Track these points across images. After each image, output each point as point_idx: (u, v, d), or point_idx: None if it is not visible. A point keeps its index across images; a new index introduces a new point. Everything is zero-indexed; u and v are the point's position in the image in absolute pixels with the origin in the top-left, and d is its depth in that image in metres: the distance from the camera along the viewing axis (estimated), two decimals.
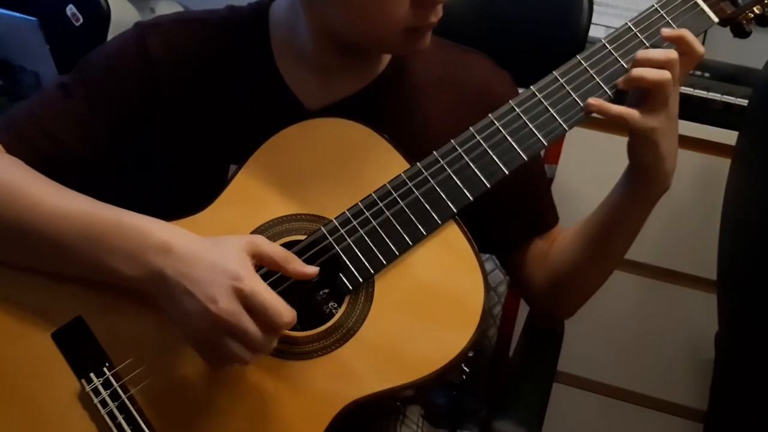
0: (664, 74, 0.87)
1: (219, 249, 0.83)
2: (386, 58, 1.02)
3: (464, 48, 1.07)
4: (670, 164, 0.94)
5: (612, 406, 1.74)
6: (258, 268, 0.84)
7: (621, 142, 1.62)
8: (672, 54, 0.88)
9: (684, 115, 1.58)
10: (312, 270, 0.85)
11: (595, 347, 1.72)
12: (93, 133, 0.97)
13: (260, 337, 0.80)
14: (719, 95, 1.60)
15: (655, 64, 0.88)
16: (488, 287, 0.88)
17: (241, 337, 0.80)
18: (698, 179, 1.62)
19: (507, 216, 1.06)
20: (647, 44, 0.92)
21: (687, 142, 1.61)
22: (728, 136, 1.54)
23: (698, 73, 1.64)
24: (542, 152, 1.35)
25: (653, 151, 0.92)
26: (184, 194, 0.93)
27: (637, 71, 0.89)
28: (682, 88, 1.58)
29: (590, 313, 1.68)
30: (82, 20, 1.86)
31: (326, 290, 0.91)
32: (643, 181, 0.96)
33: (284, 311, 0.81)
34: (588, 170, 1.62)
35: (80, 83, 0.99)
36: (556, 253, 1.07)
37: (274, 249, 0.84)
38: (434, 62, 1.02)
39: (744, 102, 1.57)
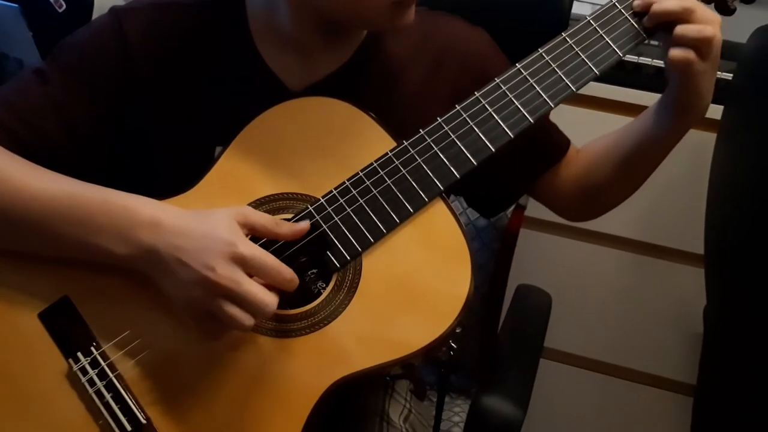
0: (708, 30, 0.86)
1: (209, 219, 0.84)
2: (362, 33, 1.01)
3: (434, 12, 1.06)
4: (708, 100, 0.93)
5: (601, 382, 1.75)
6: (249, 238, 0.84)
7: (607, 119, 1.63)
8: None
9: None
10: (303, 225, 0.87)
11: (584, 323, 1.73)
12: (71, 119, 0.96)
13: (262, 297, 0.81)
14: None
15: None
16: (475, 263, 0.88)
17: (241, 300, 0.80)
18: (685, 154, 1.61)
19: (523, 156, 1.06)
20: (632, 21, 0.92)
21: None
22: (714, 111, 1.54)
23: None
24: None
25: (695, 90, 0.91)
26: (169, 178, 0.93)
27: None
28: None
29: (579, 289, 1.71)
30: (65, 6, 1.84)
31: (314, 270, 0.91)
32: (678, 114, 0.95)
33: (285, 269, 0.82)
34: None
35: (57, 69, 0.98)
36: (586, 169, 1.08)
37: (262, 216, 0.85)
38: (408, 30, 1.02)
39: (729, 76, 1.57)
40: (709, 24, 0.87)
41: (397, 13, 0.91)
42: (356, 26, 0.99)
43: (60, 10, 1.83)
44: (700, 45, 0.86)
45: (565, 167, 1.10)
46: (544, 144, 1.09)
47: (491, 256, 1.37)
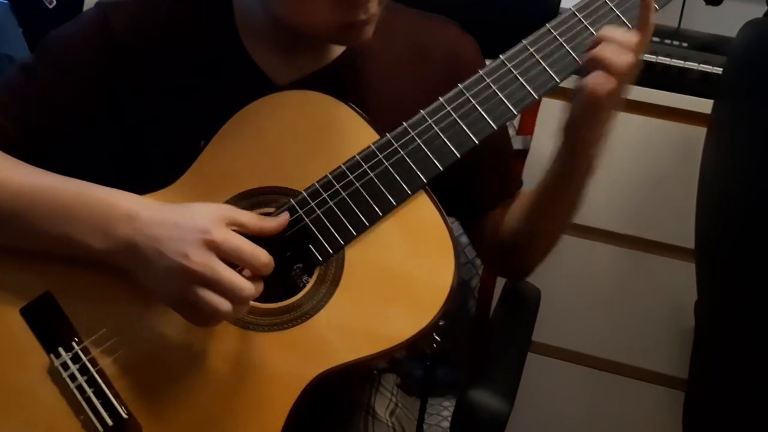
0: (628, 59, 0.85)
1: (186, 211, 0.84)
2: None
3: (429, 15, 1.06)
4: (601, 147, 0.93)
5: (592, 376, 1.75)
6: None
7: None
8: (635, 38, 0.86)
9: (662, 84, 1.60)
10: (283, 218, 0.87)
11: (575, 318, 1.72)
12: (56, 113, 0.96)
13: (238, 283, 0.80)
14: (697, 64, 1.60)
15: (618, 45, 0.86)
16: (459, 256, 0.88)
17: (218, 286, 0.80)
18: (677, 148, 1.62)
19: (477, 183, 1.07)
20: (617, 11, 0.92)
21: (665, 111, 1.61)
22: (706, 105, 1.54)
23: (676, 42, 1.64)
24: (516, 123, 1.36)
25: (598, 127, 0.91)
26: (154, 172, 0.93)
27: (602, 53, 0.86)
28: (660, 58, 1.60)
29: (570, 284, 1.70)
30: (55, 2, 1.84)
31: (300, 264, 0.91)
32: (569, 161, 0.95)
33: (260, 253, 0.82)
34: None
35: (43, 64, 0.98)
36: (506, 220, 1.09)
37: (243, 213, 0.85)
38: (401, 32, 1.02)
39: (719, 70, 1.57)
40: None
41: (348, 32, 0.90)
42: (318, 40, 0.98)
43: (50, 6, 1.83)
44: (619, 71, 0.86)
45: (498, 214, 1.11)
46: (508, 176, 1.11)
47: (475, 273, 1.37)
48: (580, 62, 0.91)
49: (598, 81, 0.86)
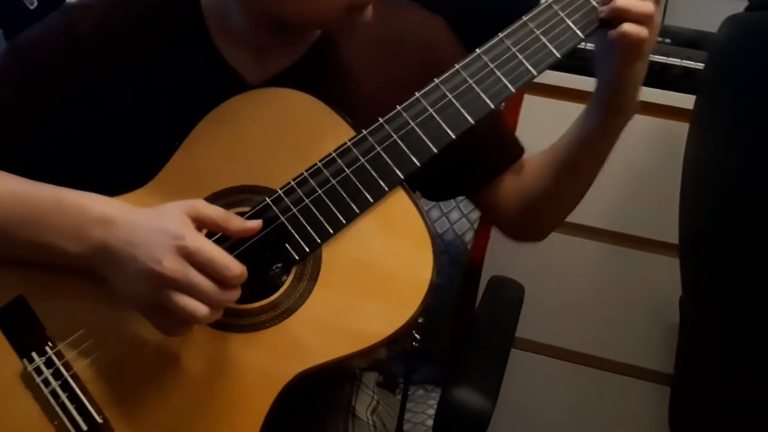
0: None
1: (159, 214, 0.83)
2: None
3: (393, 1, 1.05)
4: (635, 103, 0.95)
5: (578, 372, 1.75)
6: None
7: (576, 110, 1.62)
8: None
9: (645, 81, 1.60)
10: (254, 224, 0.85)
11: (561, 314, 1.72)
12: (22, 119, 0.95)
13: (211, 288, 0.79)
14: (679, 60, 1.60)
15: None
16: (437, 252, 0.87)
17: (191, 290, 0.79)
18: (660, 144, 1.62)
19: (476, 154, 1.05)
20: (594, 3, 0.91)
21: (648, 107, 1.61)
22: (689, 101, 1.54)
23: (659, 39, 1.64)
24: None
25: (635, 81, 0.92)
26: (128, 174, 0.92)
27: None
28: None
29: (556, 280, 1.71)
30: (36, 3, 1.82)
31: (279, 264, 0.90)
32: (609, 114, 0.96)
33: (232, 263, 0.80)
34: (544, 138, 1.61)
35: (6, 70, 0.97)
36: (527, 181, 1.07)
37: (214, 210, 0.84)
38: (370, 23, 1.01)
39: (701, 66, 1.57)
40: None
41: (353, 15, 0.90)
42: (312, 29, 0.98)
43: (31, 7, 1.81)
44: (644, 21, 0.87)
45: (511, 177, 1.09)
46: (501, 145, 1.09)
47: (464, 249, 1.36)
48: (558, 55, 0.90)
49: (632, 29, 0.86)
